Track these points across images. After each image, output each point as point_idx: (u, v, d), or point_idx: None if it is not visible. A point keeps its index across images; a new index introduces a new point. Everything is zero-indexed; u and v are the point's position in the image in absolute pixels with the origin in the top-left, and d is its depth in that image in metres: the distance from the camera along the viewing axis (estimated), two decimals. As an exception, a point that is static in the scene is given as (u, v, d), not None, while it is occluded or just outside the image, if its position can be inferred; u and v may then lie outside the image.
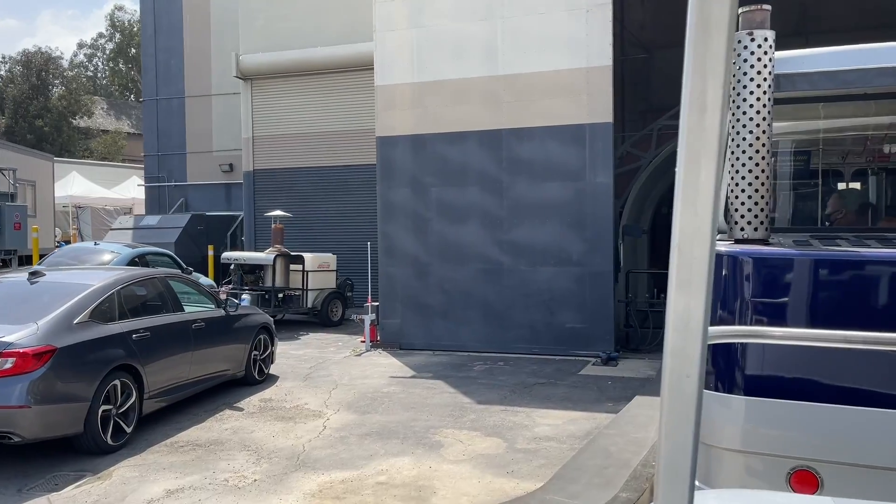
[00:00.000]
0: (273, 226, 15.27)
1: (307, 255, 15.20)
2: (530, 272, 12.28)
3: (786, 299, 3.10)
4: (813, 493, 2.89)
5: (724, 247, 3.21)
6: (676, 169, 1.11)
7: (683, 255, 1.08)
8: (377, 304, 13.10)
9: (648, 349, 12.12)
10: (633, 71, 16.82)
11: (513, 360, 11.65)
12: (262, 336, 10.08)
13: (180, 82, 23.90)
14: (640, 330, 12.46)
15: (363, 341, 12.85)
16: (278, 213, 15.58)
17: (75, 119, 43.61)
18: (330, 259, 15.80)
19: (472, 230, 12.57)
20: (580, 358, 11.75)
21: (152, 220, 20.54)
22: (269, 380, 10.23)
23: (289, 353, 12.41)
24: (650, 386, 9.22)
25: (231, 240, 21.08)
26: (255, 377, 9.88)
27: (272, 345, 10.39)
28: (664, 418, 1.11)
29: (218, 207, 23.27)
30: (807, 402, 2.96)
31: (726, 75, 1.05)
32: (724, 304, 3.14)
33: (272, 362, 10.47)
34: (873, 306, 2.99)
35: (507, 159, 12.36)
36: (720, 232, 3.41)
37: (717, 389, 3.11)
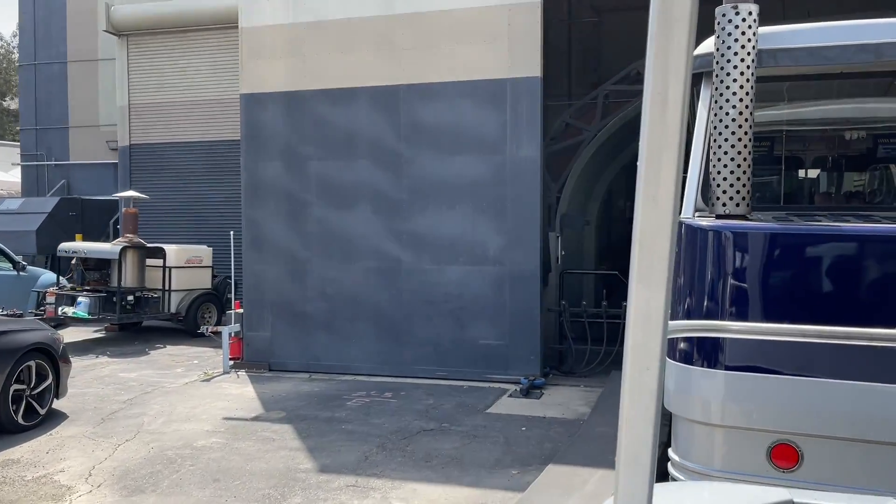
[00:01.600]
0: (123, 210, 12.17)
1: (170, 248, 12.14)
2: (435, 272, 9.45)
3: (764, 272, 3.10)
4: (793, 467, 2.97)
5: (705, 222, 3.20)
6: (638, 163, 1.12)
7: (644, 249, 1.11)
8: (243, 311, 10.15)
9: (586, 372, 9.40)
10: (582, 37, 14.12)
11: (407, 390, 8.80)
12: (30, 363, 7.05)
13: (62, 44, 20.48)
14: (574, 347, 9.72)
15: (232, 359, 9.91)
16: (131, 193, 12.46)
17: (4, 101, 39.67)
18: (203, 253, 12.76)
19: (363, 217, 9.68)
20: (496, 384, 8.97)
21: (13, 203, 17.22)
22: (48, 422, 7.22)
23: (115, 377, 9.38)
24: (579, 444, 6.41)
25: (115, 229, 17.84)
26: (15, 421, 6.86)
27: (55, 374, 7.36)
28: (624, 412, 1.14)
29: (107, 191, 19.93)
30: (786, 376, 2.99)
31: (687, 71, 1.06)
32: (703, 278, 3.16)
33: (57, 396, 7.45)
34: (848, 277, 3.01)
35: (407, 125, 9.49)
36: (699, 210, 3.38)
37: (697, 364, 3.13)
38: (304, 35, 9.76)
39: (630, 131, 12.10)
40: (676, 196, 1.09)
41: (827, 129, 4.75)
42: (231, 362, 9.92)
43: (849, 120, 4.50)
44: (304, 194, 9.89)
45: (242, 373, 9.75)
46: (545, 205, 10.35)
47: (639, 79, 11.26)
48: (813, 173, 5.22)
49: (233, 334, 9.91)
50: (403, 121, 9.48)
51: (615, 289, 10.74)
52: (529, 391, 8.56)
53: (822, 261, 3.03)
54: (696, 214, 3.33)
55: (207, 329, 10.89)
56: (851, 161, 4.95)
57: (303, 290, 9.94)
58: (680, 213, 3.20)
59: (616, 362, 9.39)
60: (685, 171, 3.37)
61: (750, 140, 3.12)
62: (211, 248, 13.07)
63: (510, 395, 8.52)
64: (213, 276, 13.02)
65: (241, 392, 8.72)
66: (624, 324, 1.18)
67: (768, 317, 3.01)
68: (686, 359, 3.15)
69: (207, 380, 9.36)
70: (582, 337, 9.78)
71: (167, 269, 12.01)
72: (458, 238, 9.34)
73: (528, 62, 9.00)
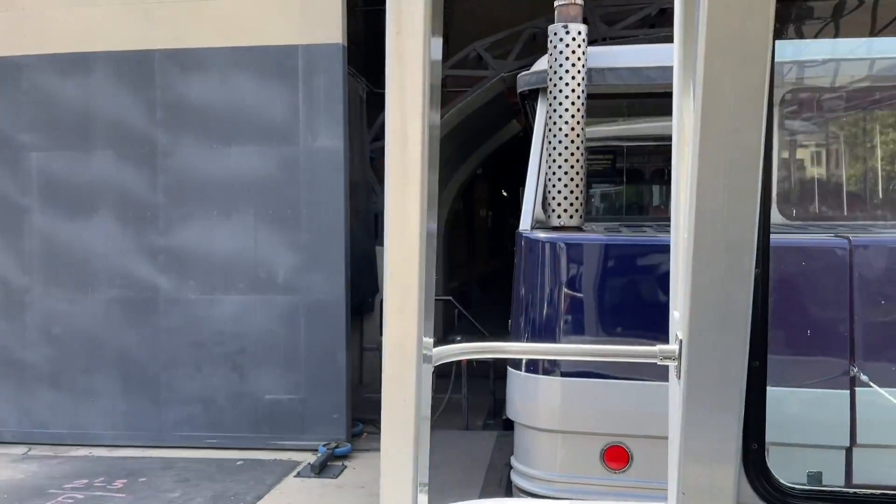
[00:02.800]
0: None
1: None
2: (205, 304, 6.96)
3: (590, 278, 3.27)
4: (624, 468, 3.06)
5: (541, 234, 3.43)
6: (385, 197, 1.16)
7: (396, 281, 1.14)
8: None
9: (410, 430, 7.24)
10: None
11: (153, 472, 6.24)
12: None
13: None
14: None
15: None
16: None
17: None
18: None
19: (104, 229, 7.03)
20: (287, 453, 6.61)
21: None
22: None
23: None
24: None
25: None
26: None
27: None
28: (385, 443, 1.17)
29: None
30: (615, 380, 3.13)
31: (423, 106, 1.09)
32: (541, 285, 3.29)
33: None
34: (651, 278, 3.21)
35: (164, 104, 6.98)
36: (539, 222, 3.55)
37: (534, 372, 3.22)
38: (20, -22, 7.05)
39: (477, 124, 10.24)
40: (423, 228, 1.13)
41: (659, 144, 4.75)
42: None
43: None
44: (21, 198, 7.12)
45: (-80, 453, 6.80)
46: (365, 212, 8.19)
47: (480, 63, 9.38)
48: (651, 185, 5.32)
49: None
50: (160, 98, 6.97)
51: (462, 317, 8.75)
52: (326, 465, 6.26)
53: (625, 269, 3.34)
54: (537, 227, 3.56)
55: None
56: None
57: (19, 330, 7.13)
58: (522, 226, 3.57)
59: (450, 411, 7.33)
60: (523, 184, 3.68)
61: (583, 154, 3.27)
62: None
63: (298, 474, 6.17)
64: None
65: None
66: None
67: (601, 323, 3.25)
68: (526, 367, 3.27)
69: None
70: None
71: None
72: (236, 257, 6.91)
73: (326, 24, 6.78)
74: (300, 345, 6.89)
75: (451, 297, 8.03)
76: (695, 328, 1.43)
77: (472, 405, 7.64)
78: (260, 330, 6.90)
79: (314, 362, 6.87)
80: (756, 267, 1.42)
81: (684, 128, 1.59)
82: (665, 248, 3.03)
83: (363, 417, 7.49)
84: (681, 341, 1.48)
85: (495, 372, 7.70)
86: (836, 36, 3.98)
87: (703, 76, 1.26)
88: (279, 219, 6.88)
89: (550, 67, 3.30)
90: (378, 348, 7.91)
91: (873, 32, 3.93)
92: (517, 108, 6.50)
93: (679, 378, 1.51)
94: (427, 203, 1.16)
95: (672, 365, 1.55)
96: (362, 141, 8.92)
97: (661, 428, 2.74)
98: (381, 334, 6.65)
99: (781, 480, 1.58)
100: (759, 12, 1.20)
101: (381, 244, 5.35)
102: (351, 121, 8.28)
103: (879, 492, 1.59)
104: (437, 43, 1.18)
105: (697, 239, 1.37)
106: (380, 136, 9.42)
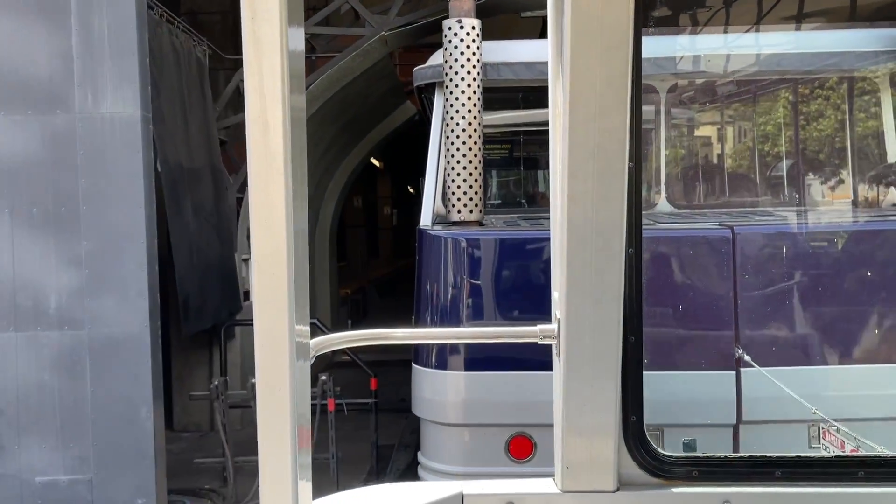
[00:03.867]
0: None
1: None
2: (-60, 346, 4.72)
3: (490, 272, 3.33)
4: (528, 458, 3.15)
5: (440, 229, 3.47)
6: (248, 188, 1.13)
7: (264, 274, 1.11)
8: None
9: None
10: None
11: None
12: None
13: None
14: (244, 460, 5.49)
15: None
16: None
17: None
18: None
19: None
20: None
21: None
22: None
23: None
24: None
25: None
26: None
27: None
28: (261, 431, 1.12)
29: None
30: (517, 371, 3.18)
31: (283, 92, 1.06)
32: (444, 281, 3.33)
33: None
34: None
35: None
36: (440, 217, 3.58)
37: (439, 367, 3.27)
38: None
39: (364, 101, 8.30)
40: (288, 218, 1.09)
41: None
42: None
43: None
44: None
45: None
46: (215, 210, 6.13)
47: (356, 20, 7.42)
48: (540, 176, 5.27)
49: None
50: None
51: (357, 326, 6.78)
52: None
53: (521, 261, 3.41)
54: (437, 221, 3.59)
55: None
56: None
57: None
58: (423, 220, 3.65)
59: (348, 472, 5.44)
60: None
61: (480, 149, 3.31)
62: None
63: None
64: None
65: None
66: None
67: (502, 317, 3.33)
68: (430, 363, 3.28)
69: None
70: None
71: None
72: (-16, 276, 4.71)
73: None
74: (84, 401, 4.75)
75: (316, 320, 6.02)
76: (571, 307, 1.49)
77: (346, 459, 5.70)
78: (23, 382, 4.72)
79: (105, 425, 4.74)
80: (629, 247, 1.49)
81: (557, 115, 1.57)
82: (531, 241, 3.38)
83: (196, 489, 5.43)
84: (559, 320, 1.55)
85: (378, 411, 5.79)
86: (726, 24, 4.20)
87: (570, 62, 1.30)
88: (47, 220, 4.73)
89: (446, 62, 3.32)
90: (197, 396, 5.87)
91: (759, 21, 4.08)
92: (410, 87, 5.92)
93: (559, 356, 1.57)
94: (293, 189, 1.10)
95: (553, 343, 1.58)
96: (205, 117, 6.83)
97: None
98: (247, 373, 4.63)
99: (659, 450, 1.63)
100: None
101: (239, 252, 4.63)
102: (186, 90, 6.21)
103: (748, 455, 1.68)
104: (297, 33, 1.12)
105: (571, 221, 1.43)
106: (230, 113, 7.35)
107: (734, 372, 3.48)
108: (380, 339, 1.79)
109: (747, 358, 3.43)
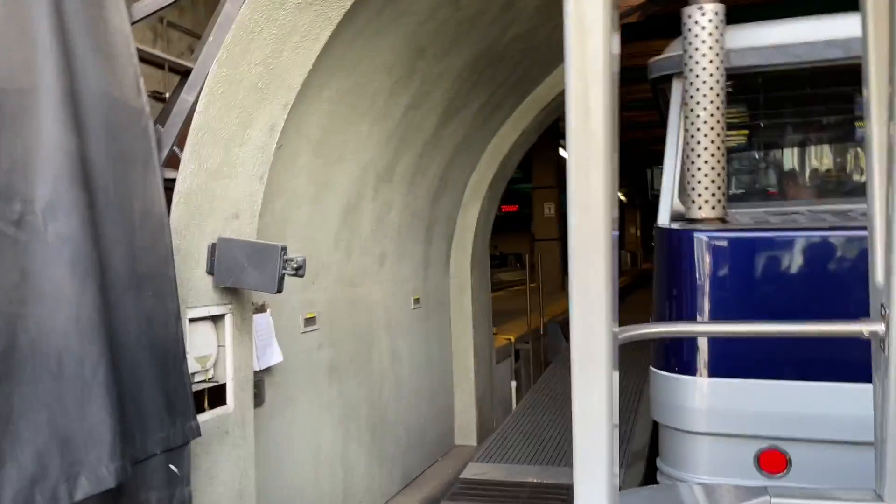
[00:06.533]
0: None
1: None
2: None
3: (742, 276, 3.16)
4: (781, 473, 2.98)
5: (681, 226, 3.28)
6: (567, 174, 1.13)
7: (581, 260, 1.12)
8: None
9: None
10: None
11: None
12: None
13: None
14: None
15: None
16: None
17: None
18: None
19: None
20: None
21: None
22: None
23: None
24: None
25: None
26: None
27: None
28: (577, 426, 1.15)
29: None
30: (771, 381, 3.02)
31: (606, 75, 1.07)
32: (685, 282, 3.19)
33: None
34: (827, 277, 3.10)
35: None
36: (677, 214, 3.44)
37: (680, 372, 3.15)
38: None
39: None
40: (609, 203, 1.11)
41: (805, 121, 4.48)
42: None
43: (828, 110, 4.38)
44: None
45: None
46: (122, 203, 4.78)
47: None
48: (787, 166, 4.90)
49: None
50: None
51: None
52: None
53: (787, 262, 3.13)
54: (676, 219, 3.41)
55: None
56: (822, 150, 4.65)
57: None
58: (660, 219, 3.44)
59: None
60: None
61: (723, 141, 3.15)
62: None
63: None
64: None
65: None
66: None
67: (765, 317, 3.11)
68: (672, 368, 3.17)
69: None
70: None
71: None
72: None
73: None
74: None
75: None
76: None
77: None
78: None
79: None
80: None
81: (876, 97, 1.50)
82: (823, 240, 3.16)
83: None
84: (887, 315, 1.46)
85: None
86: None
87: None
88: None
89: (685, 51, 3.17)
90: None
91: None
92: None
93: (885, 352, 1.49)
94: (612, 179, 1.11)
95: (876, 339, 1.51)
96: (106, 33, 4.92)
97: (822, 431, 2.96)
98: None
99: None
100: None
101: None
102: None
103: None
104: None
105: None
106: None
107: None
108: (683, 332, 2.00)
109: None
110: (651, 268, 3.79)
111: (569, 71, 1.06)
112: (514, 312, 10.13)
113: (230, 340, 3.39)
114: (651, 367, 3.39)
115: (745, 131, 4.42)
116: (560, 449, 5.86)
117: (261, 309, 3.93)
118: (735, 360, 3.11)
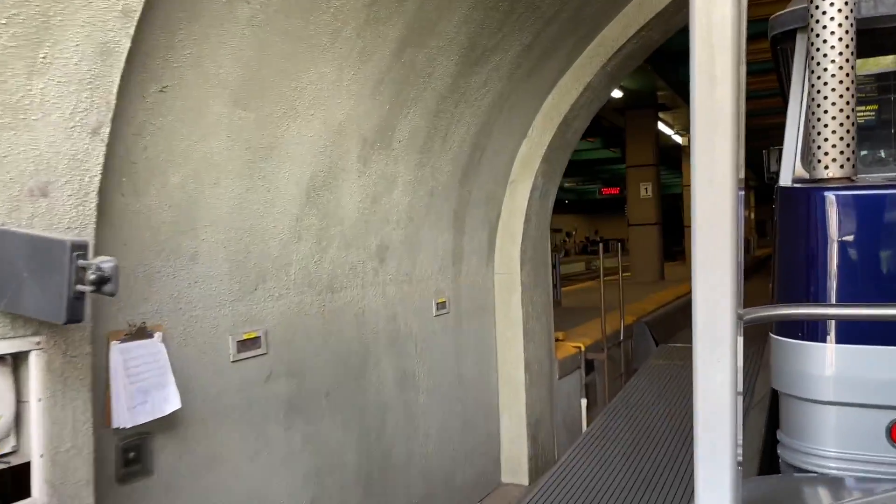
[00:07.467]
0: None
1: None
2: None
3: (872, 237, 3.01)
4: None
5: (805, 186, 3.08)
6: (690, 147, 1.07)
7: (705, 233, 1.08)
8: None
9: None
10: None
11: None
12: None
13: None
14: None
15: None
16: None
17: None
18: None
19: None
20: None
21: None
22: None
23: None
24: None
25: None
26: None
27: None
28: (699, 407, 1.10)
29: None
30: None
31: (735, 42, 1.03)
32: (809, 246, 3.07)
33: None
34: None
35: None
36: (798, 176, 3.26)
37: (804, 338, 3.02)
38: None
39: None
40: (734, 176, 1.05)
41: None
42: None
43: None
44: None
45: None
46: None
47: None
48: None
49: None
50: None
51: None
52: None
53: None
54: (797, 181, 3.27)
55: None
56: None
57: None
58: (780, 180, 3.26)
59: None
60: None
61: (853, 96, 2.49)
62: None
63: None
64: None
65: None
66: None
67: (879, 285, 2.99)
68: (794, 334, 3.05)
69: None
70: None
71: None
72: None
73: None
74: None
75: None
76: None
77: None
78: None
79: None
80: None
81: None
82: None
83: None
84: None
85: None
86: None
87: None
88: None
89: (812, 2, 2.57)
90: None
91: None
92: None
93: None
94: (738, 154, 1.05)
95: None
96: None
97: None
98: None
99: None
100: None
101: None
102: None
103: None
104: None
105: None
106: None
107: None
108: (809, 315, 1.89)
109: None
110: (767, 252, 2.77)
111: (693, 37, 1.03)
112: (601, 310, 8.45)
113: (39, 393, 2.11)
114: (772, 335, 3.22)
115: (876, 91, 3.84)
116: (643, 481, 4.34)
117: (140, 333, 2.63)
118: (866, 326, 2.93)
